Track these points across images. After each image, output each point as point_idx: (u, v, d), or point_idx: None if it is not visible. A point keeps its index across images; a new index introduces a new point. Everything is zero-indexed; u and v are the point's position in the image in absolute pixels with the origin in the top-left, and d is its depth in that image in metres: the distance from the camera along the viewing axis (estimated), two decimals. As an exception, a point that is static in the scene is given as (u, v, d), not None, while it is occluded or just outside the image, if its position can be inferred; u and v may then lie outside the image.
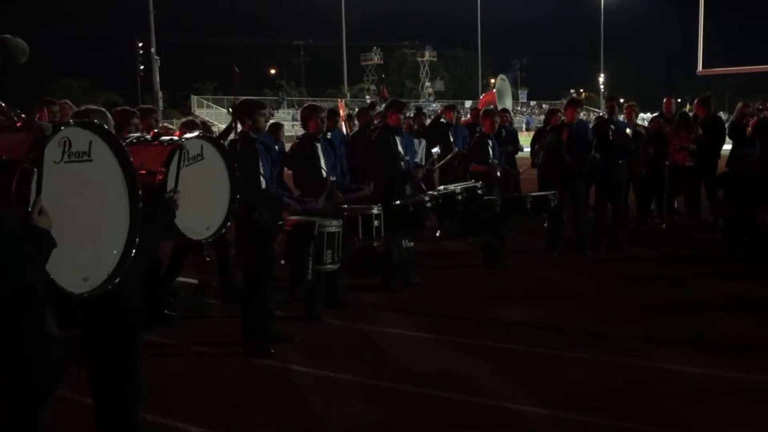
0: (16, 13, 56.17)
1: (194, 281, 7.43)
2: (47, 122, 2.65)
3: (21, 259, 1.81)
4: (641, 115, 19.82)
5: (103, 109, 4.09)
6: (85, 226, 2.64)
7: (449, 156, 9.91)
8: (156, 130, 4.51)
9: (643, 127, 10.99)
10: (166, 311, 6.39)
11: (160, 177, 3.50)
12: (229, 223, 4.04)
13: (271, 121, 8.20)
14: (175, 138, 3.71)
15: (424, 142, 10.14)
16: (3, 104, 2.72)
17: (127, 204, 2.94)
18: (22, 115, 2.72)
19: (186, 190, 3.56)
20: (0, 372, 1.73)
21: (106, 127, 2.92)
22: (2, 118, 2.59)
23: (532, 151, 11.25)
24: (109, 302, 3.65)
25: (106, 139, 2.84)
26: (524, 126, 45.30)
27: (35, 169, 2.37)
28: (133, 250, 2.91)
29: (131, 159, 2.95)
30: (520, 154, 11.95)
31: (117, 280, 2.85)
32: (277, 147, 8.00)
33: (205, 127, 8.83)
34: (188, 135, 3.81)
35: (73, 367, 3.71)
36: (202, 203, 3.85)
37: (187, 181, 3.59)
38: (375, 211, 6.63)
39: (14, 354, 1.76)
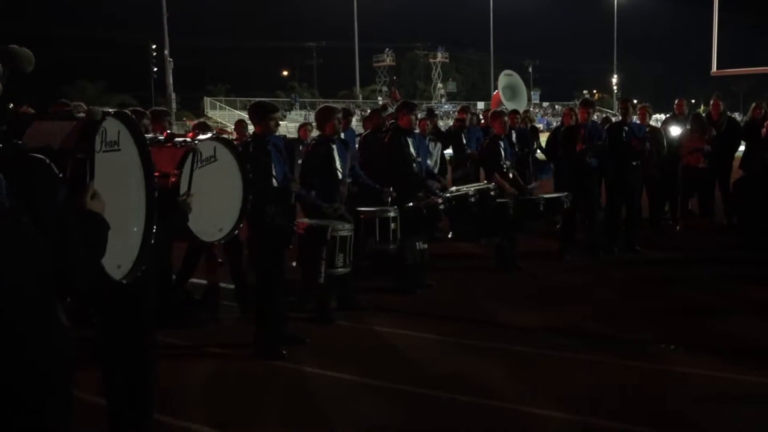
0: (33, 16, 56.70)
1: (205, 282, 7.45)
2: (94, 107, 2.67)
3: (29, 250, 1.82)
4: (654, 116, 19.68)
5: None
6: (115, 214, 2.66)
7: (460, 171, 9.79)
8: (169, 131, 4.52)
9: (657, 128, 10.91)
10: (178, 312, 6.41)
11: (173, 179, 3.50)
12: (241, 225, 4.04)
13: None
14: (188, 140, 3.71)
15: (440, 145, 10.11)
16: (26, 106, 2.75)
17: (144, 191, 2.96)
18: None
19: (199, 192, 3.56)
20: (8, 363, 1.76)
21: (132, 116, 2.96)
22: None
23: (546, 151, 11.20)
24: (122, 302, 3.68)
25: (130, 128, 2.87)
26: (542, 126, 44.99)
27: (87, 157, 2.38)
28: (152, 238, 2.94)
29: (149, 147, 2.98)
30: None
31: (144, 267, 2.88)
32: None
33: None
34: (201, 136, 3.81)
35: (86, 368, 3.74)
36: (215, 205, 3.85)
37: (200, 183, 3.59)
38: (392, 214, 6.57)
39: (25, 345, 1.78)
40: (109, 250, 2.25)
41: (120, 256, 2.79)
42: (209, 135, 4.00)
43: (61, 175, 1.95)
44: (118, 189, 2.79)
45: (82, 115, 2.59)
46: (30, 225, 1.82)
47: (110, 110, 2.77)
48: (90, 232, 2.13)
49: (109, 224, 2.24)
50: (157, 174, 3.23)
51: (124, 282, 2.77)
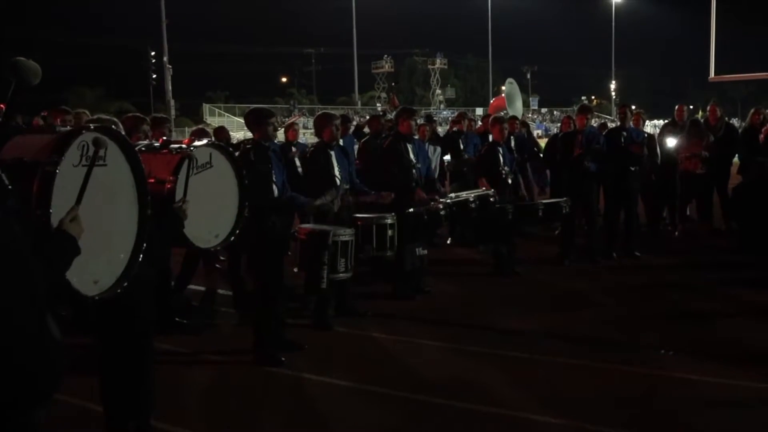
0: (32, 23, 56.80)
1: (203, 288, 7.43)
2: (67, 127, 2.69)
3: (23, 263, 1.82)
4: (654, 122, 19.73)
5: (116, 119, 4.11)
6: (96, 229, 2.65)
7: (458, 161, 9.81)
8: (165, 138, 4.51)
9: (651, 135, 10.92)
10: (177, 319, 6.40)
11: (169, 186, 3.50)
12: (238, 231, 4.03)
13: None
14: (184, 146, 3.71)
15: (439, 149, 10.11)
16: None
17: (136, 209, 2.95)
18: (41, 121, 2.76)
19: (195, 199, 3.56)
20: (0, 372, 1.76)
21: (122, 133, 2.96)
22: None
23: (545, 158, 11.20)
24: (121, 310, 3.68)
25: (120, 145, 2.87)
26: (541, 132, 45.17)
27: (57, 173, 2.39)
28: (141, 255, 2.92)
29: (143, 166, 2.97)
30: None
31: (125, 285, 2.86)
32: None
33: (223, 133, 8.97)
34: (197, 143, 3.81)
35: (85, 375, 3.73)
36: (211, 211, 3.85)
37: (196, 189, 3.58)
38: (389, 220, 6.52)
39: (14, 355, 1.78)
40: (87, 266, 2.25)
41: (100, 272, 2.77)
42: (205, 141, 4.00)
43: (10, 187, 1.95)
44: (101, 204, 2.78)
45: (68, 128, 2.60)
46: (23, 235, 1.82)
47: (91, 125, 2.77)
48: (54, 248, 2.13)
49: (80, 249, 2.23)
50: (152, 180, 3.23)
51: (96, 298, 2.74)
